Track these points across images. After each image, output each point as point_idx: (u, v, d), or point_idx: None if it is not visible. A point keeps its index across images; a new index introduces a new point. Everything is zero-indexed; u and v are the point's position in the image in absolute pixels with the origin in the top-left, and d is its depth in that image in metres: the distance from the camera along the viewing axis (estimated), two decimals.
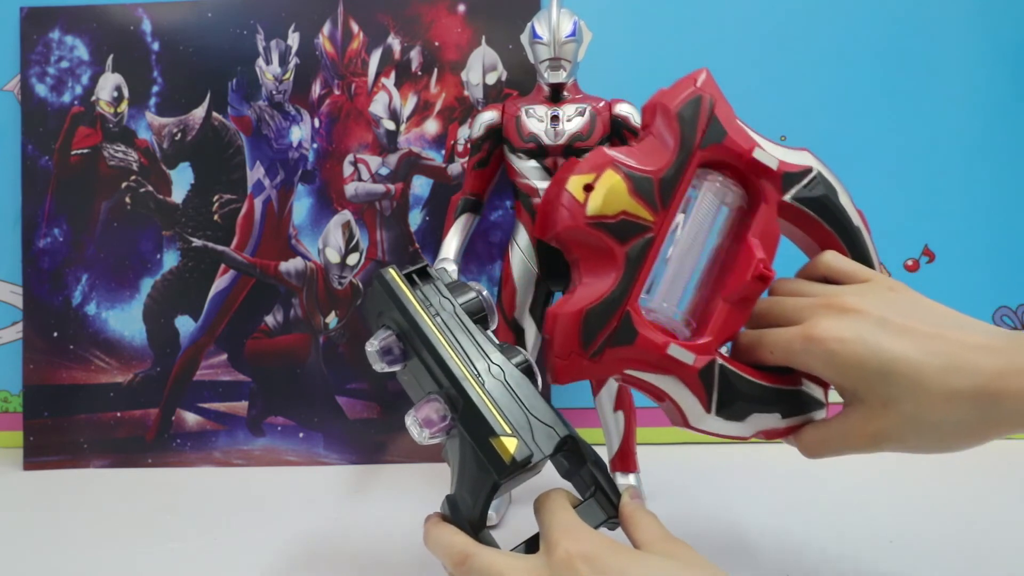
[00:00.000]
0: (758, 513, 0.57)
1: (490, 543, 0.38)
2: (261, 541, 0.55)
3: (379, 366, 0.41)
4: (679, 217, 0.44)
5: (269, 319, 0.73)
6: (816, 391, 0.45)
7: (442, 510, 0.40)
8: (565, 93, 0.58)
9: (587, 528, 0.36)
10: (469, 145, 0.61)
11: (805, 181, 0.44)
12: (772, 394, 0.43)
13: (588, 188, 0.41)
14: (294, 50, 0.74)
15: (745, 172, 0.44)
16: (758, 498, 0.60)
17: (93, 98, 0.74)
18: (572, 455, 0.40)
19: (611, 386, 0.59)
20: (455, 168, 0.73)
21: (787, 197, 0.44)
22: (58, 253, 0.74)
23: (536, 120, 0.57)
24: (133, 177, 0.74)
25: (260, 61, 0.74)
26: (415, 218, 0.73)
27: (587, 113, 0.57)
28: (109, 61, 0.74)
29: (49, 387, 0.73)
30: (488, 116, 0.59)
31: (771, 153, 0.44)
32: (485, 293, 0.43)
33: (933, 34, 0.75)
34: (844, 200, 0.45)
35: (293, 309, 0.73)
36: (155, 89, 0.74)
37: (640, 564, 0.33)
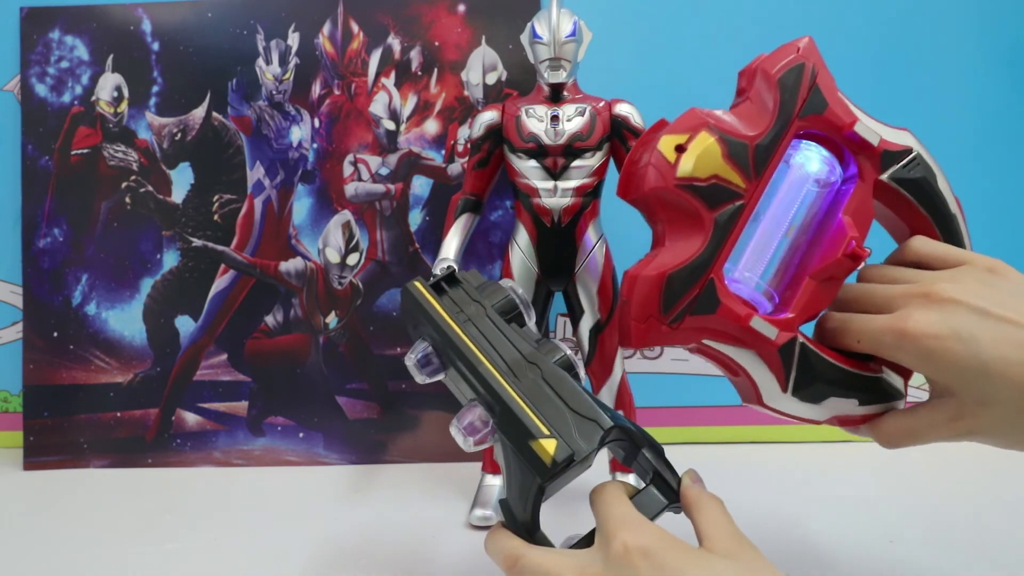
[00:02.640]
0: (758, 513, 0.57)
1: (544, 543, 0.37)
2: (261, 541, 0.55)
3: (420, 378, 0.41)
4: (771, 186, 0.42)
5: (269, 319, 0.73)
6: (896, 380, 0.43)
7: (499, 516, 0.40)
8: (565, 93, 0.58)
9: (645, 520, 0.34)
10: (469, 145, 0.61)
11: (905, 161, 0.42)
12: (852, 379, 0.41)
13: (680, 149, 0.40)
14: (294, 50, 0.74)
15: (843, 146, 0.42)
16: (758, 498, 0.60)
17: (93, 98, 0.74)
18: (624, 443, 0.39)
19: (611, 384, 0.59)
20: (455, 168, 0.73)
21: (885, 176, 0.42)
22: (58, 253, 0.74)
23: (536, 120, 0.57)
24: (133, 177, 0.74)
25: (260, 61, 0.74)
26: (415, 218, 0.73)
27: (587, 113, 0.57)
28: (109, 61, 0.74)
29: (49, 387, 0.73)
30: (488, 116, 0.59)
31: (872, 129, 0.42)
32: (519, 291, 0.43)
33: (933, 34, 0.75)
34: (943, 185, 0.43)
35: (293, 309, 0.73)
36: (155, 89, 0.74)
37: (699, 564, 0.32)
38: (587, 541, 0.37)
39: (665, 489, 0.38)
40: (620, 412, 0.59)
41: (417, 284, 0.42)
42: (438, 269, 0.57)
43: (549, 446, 0.36)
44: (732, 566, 0.32)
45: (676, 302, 0.40)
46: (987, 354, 0.35)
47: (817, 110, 0.41)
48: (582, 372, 0.40)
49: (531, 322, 0.43)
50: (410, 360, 0.41)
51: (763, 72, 0.41)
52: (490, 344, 0.40)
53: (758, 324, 0.40)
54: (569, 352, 0.40)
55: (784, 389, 0.41)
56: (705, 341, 0.41)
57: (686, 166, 0.39)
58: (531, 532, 0.37)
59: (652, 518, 0.37)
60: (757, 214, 0.42)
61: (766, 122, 0.41)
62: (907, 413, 0.41)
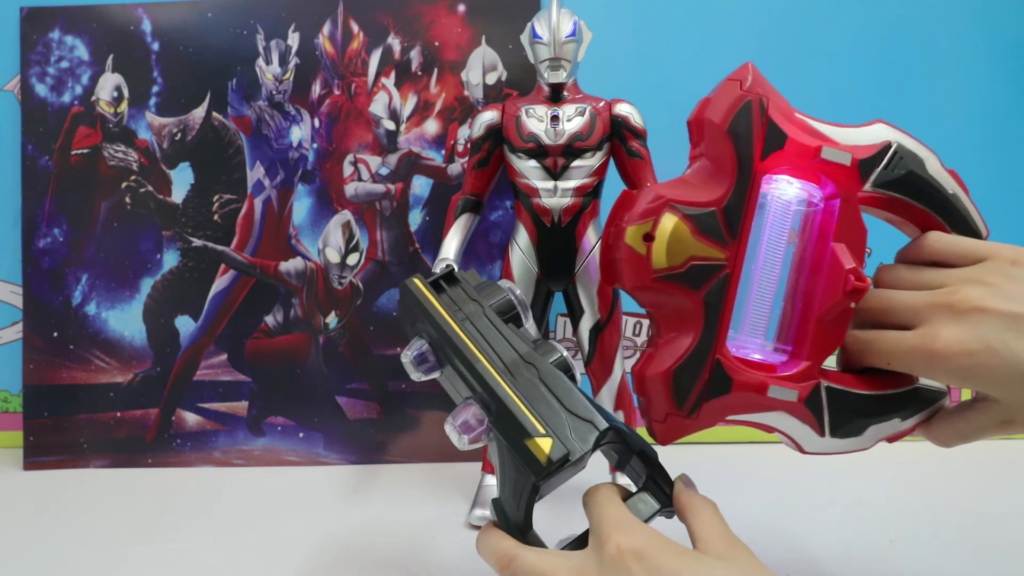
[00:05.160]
0: (758, 513, 0.57)
1: (537, 544, 0.37)
2: (261, 541, 0.55)
3: (416, 375, 0.41)
4: (752, 235, 0.39)
5: (269, 319, 0.73)
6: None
7: (491, 515, 0.39)
8: (565, 93, 0.58)
9: (639, 523, 0.34)
10: (469, 145, 0.61)
11: (885, 161, 0.39)
12: (888, 402, 0.40)
13: (648, 238, 0.38)
14: (294, 50, 0.74)
15: (816, 170, 0.39)
16: (758, 498, 0.60)
17: (93, 98, 0.74)
18: (618, 446, 0.39)
19: (611, 385, 0.59)
20: (455, 168, 0.73)
21: (868, 187, 0.39)
22: (58, 253, 0.74)
23: (536, 120, 0.57)
24: (133, 177, 0.74)
25: (260, 61, 0.74)
26: (415, 218, 0.73)
27: (587, 113, 0.57)
28: (109, 61, 0.74)
29: (49, 387, 0.73)
30: (488, 116, 0.59)
31: (841, 145, 0.39)
32: (518, 292, 0.43)
33: (933, 34, 0.75)
34: (933, 168, 0.40)
35: (293, 309, 0.73)
36: (155, 89, 0.74)
37: (693, 566, 0.32)
38: (580, 542, 0.37)
39: (658, 493, 0.38)
40: (618, 414, 0.59)
41: (416, 281, 0.42)
42: (438, 269, 0.57)
43: (545, 445, 0.36)
44: (726, 567, 0.32)
45: (688, 394, 0.38)
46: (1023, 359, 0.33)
47: (777, 146, 0.38)
48: (578, 374, 0.40)
49: (528, 323, 0.43)
50: (406, 357, 0.41)
51: (709, 125, 0.38)
52: (487, 343, 0.40)
53: (776, 392, 0.39)
54: (566, 353, 0.40)
55: (822, 435, 0.40)
56: (729, 418, 0.40)
57: (659, 258, 0.38)
58: (524, 532, 0.37)
59: (645, 521, 0.37)
60: (746, 271, 0.40)
61: (728, 179, 0.38)
62: (956, 415, 0.39)
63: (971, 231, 0.41)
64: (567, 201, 0.57)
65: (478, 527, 0.56)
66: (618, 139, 0.57)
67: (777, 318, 0.41)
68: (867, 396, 0.40)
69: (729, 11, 0.75)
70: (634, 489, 0.39)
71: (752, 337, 0.41)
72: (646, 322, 0.75)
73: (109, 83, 0.74)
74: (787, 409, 0.39)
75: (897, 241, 0.43)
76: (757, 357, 0.41)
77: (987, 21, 0.74)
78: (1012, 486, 0.62)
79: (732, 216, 0.38)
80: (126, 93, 0.74)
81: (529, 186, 0.57)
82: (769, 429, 0.41)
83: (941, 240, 0.39)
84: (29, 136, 0.74)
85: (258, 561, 0.52)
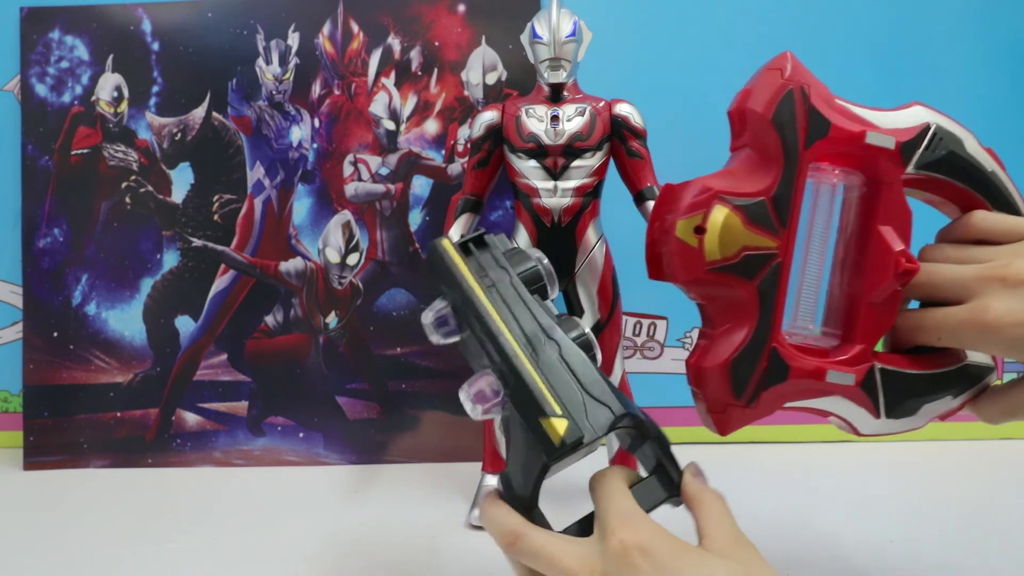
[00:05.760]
0: (758, 513, 0.57)
1: (542, 522, 0.37)
2: (261, 541, 0.55)
3: (435, 338, 0.40)
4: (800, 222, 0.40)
5: (269, 319, 0.73)
6: (980, 356, 0.41)
7: (498, 486, 0.39)
8: (565, 93, 0.58)
9: (644, 517, 0.34)
10: (469, 145, 0.61)
11: (925, 143, 0.39)
12: (940, 380, 0.40)
13: (700, 231, 0.37)
14: (294, 50, 0.74)
15: (859, 155, 0.39)
16: (758, 498, 0.60)
17: (93, 98, 0.74)
18: (632, 431, 0.38)
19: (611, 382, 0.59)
20: (455, 168, 0.73)
21: (910, 169, 0.39)
22: (58, 253, 0.74)
23: (536, 120, 0.57)
24: (133, 177, 0.74)
25: (260, 61, 0.74)
26: (415, 218, 0.73)
27: (587, 113, 0.57)
28: (109, 61, 0.74)
29: (49, 387, 0.73)
30: (488, 116, 0.59)
31: (884, 129, 0.39)
32: (545, 262, 0.41)
33: (933, 34, 0.75)
34: (972, 147, 0.40)
35: (293, 309, 0.73)
36: (155, 89, 0.74)
37: (697, 565, 0.32)
38: (583, 524, 0.37)
39: (666, 481, 0.38)
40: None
41: (444, 242, 0.41)
42: None
43: (560, 426, 0.35)
44: (729, 567, 0.32)
45: (747, 383, 0.38)
46: None
47: (821, 134, 0.38)
48: (599, 354, 0.39)
49: (554, 295, 0.41)
50: (427, 318, 0.40)
51: (753, 115, 0.39)
52: (511, 313, 0.39)
53: (835, 377, 0.39)
54: (589, 332, 0.39)
55: (877, 416, 0.40)
56: (787, 405, 0.40)
57: (712, 249, 0.37)
58: (529, 509, 0.36)
59: (651, 509, 0.36)
60: (796, 260, 0.40)
61: (775, 169, 0.38)
62: (1005, 392, 0.39)
63: (1012, 208, 0.41)
64: (567, 201, 0.57)
65: (478, 527, 0.56)
66: (618, 139, 0.57)
67: (823, 303, 0.42)
68: (919, 375, 0.40)
69: (729, 11, 0.75)
70: (644, 474, 0.39)
71: (802, 323, 0.41)
72: (646, 322, 0.75)
73: (109, 83, 0.74)
74: (844, 393, 0.39)
75: (931, 221, 0.42)
76: (808, 343, 0.41)
77: (987, 21, 0.74)
78: (1012, 486, 0.62)
79: (781, 205, 0.38)
80: (126, 93, 0.74)
81: (529, 186, 0.57)
82: (824, 414, 0.41)
83: (988, 218, 0.39)
84: (29, 136, 0.74)
85: (258, 561, 0.52)
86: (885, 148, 0.39)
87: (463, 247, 0.41)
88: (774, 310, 0.38)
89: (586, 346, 0.38)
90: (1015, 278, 0.35)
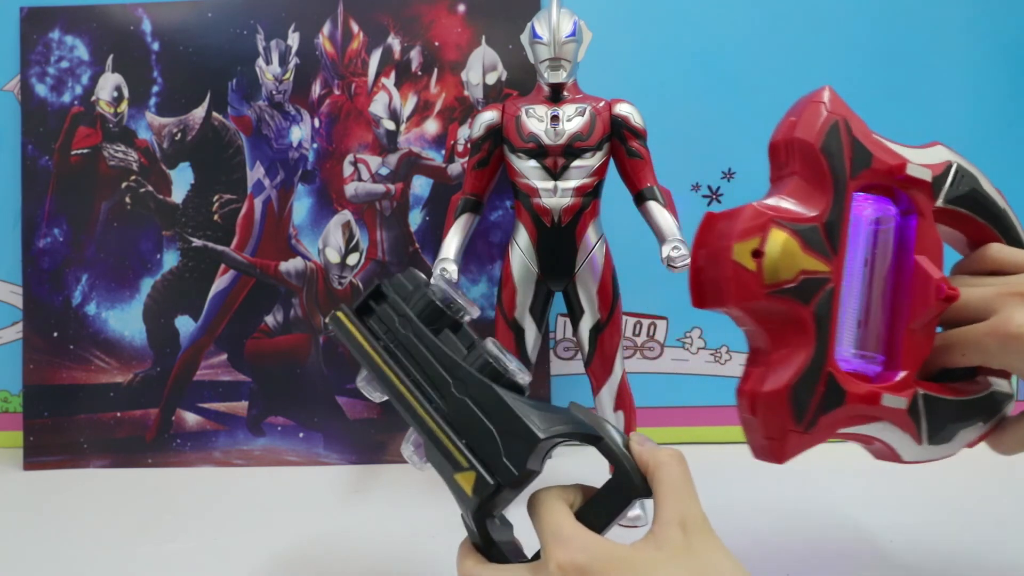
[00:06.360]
0: (758, 513, 0.57)
1: (501, 558, 0.37)
2: (261, 541, 0.55)
3: (373, 397, 0.41)
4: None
5: (269, 319, 0.73)
6: (1003, 384, 0.42)
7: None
8: (565, 93, 0.58)
9: (579, 534, 0.33)
10: (469, 145, 0.61)
11: (951, 179, 0.41)
12: (972, 407, 0.41)
13: (757, 254, 0.38)
14: (294, 50, 0.74)
15: (894, 188, 0.41)
16: (758, 498, 0.60)
17: (93, 98, 0.74)
18: (581, 439, 0.37)
19: (612, 384, 0.59)
20: (455, 168, 0.73)
21: (940, 202, 0.41)
22: (58, 253, 0.74)
23: (536, 120, 0.57)
24: (133, 177, 0.74)
25: (260, 61, 0.74)
26: (415, 218, 0.73)
27: (587, 113, 0.57)
28: (109, 61, 0.74)
29: (49, 387, 0.73)
30: (488, 116, 0.59)
31: (918, 163, 0.41)
32: (439, 288, 0.40)
33: (933, 34, 0.75)
34: (987, 186, 0.43)
35: (293, 309, 0.73)
36: (155, 89, 0.74)
37: (641, 574, 0.31)
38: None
39: (626, 482, 0.36)
40: (618, 414, 0.59)
41: (339, 315, 0.41)
42: (438, 269, 0.57)
43: (466, 481, 0.35)
44: (678, 569, 0.31)
45: (807, 409, 0.38)
46: None
47: (865, 164, 0.40)
48: (518, 373, 0.38)
49: (473, 315, 0.40)
50: (359, 382, 0.41)
51: (802, 145, 0.40)
52: (415, 366, 0.38)
53: (889, 401, 0.39)
54: (496, 353, 0.38)
55: (919, 442, 0.41)
56: (840, 431, 0.40)
57: (771, 272, 0.38)
58: (487, 548, 0.37)
59: (615, 516, 0.36)
60: (845, 287, 0.41)
61: (826, 196, 0.39)
62: (1018, 422, 0.41)
63: (1020, 243, 0.43)
64: (567, 201, 0.57)
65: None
66: (618, 139, 0.57)
67: (860, 330, 0.42)
68: (956, 401, 0.41)
69: (729, 11, 0.75)
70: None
71: (850, 347, 0.42)
72: (646, 322, 0.75)
73: (109, 83, 0.74)
74: (893, 419, 0.40)
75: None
76: (855, 369, 0.42)
77: (987, 21, 0.74)
78: (1012, 486, 0.62)
79: (833, 231, 0.39)
80: (126, 93, 0.74)
81: (529, 186, 0.57)
82: (869, 440, 0.41)
83: (1004, 250, 0.41)
84: (29, 136, 0.74)
85: (258, 561, 0.52)
86: (922, 180, 0.41)
87: (362, 308, 0.41)
88: (829, 335, 0.39)
89: (492, 374, 0.37)
90: None
